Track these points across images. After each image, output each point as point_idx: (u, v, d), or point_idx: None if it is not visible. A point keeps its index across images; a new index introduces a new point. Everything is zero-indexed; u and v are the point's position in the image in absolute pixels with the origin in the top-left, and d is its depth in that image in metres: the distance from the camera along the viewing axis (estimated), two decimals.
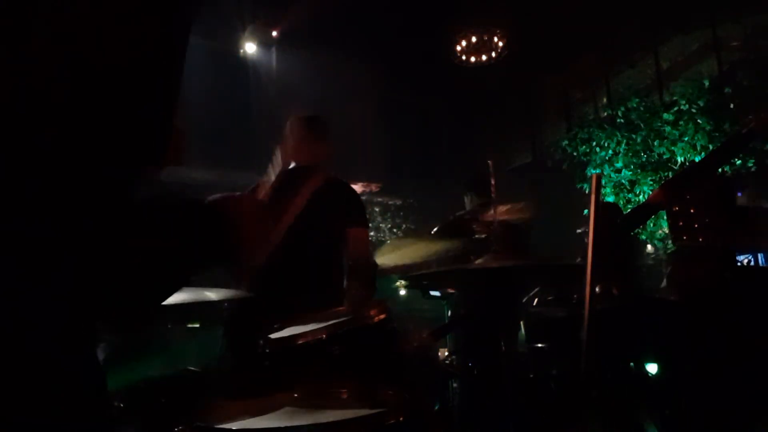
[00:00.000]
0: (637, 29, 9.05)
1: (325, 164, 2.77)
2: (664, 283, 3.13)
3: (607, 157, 7.58)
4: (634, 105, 7.59)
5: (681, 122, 6.94)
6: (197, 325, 2.61)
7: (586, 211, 2.29)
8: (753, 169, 6.41)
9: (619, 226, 2.76)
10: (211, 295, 1.93)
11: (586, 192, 6.85)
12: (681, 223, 2.47)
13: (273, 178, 2.61)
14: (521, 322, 2.78)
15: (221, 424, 1.25)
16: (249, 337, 1.74)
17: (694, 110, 6.89)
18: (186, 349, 2.41)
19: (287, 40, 9.20)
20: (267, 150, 2.88)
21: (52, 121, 0.59)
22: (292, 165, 2.72)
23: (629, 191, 7.40)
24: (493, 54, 8.84)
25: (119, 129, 0.64)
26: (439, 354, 3.22)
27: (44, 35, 0.58)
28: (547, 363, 2.40)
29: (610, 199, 7.42)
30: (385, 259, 2.68)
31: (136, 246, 0.66)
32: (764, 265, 4.34)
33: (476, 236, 3.01)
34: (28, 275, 0.60)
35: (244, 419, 1.31)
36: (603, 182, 7.30)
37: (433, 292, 3.49)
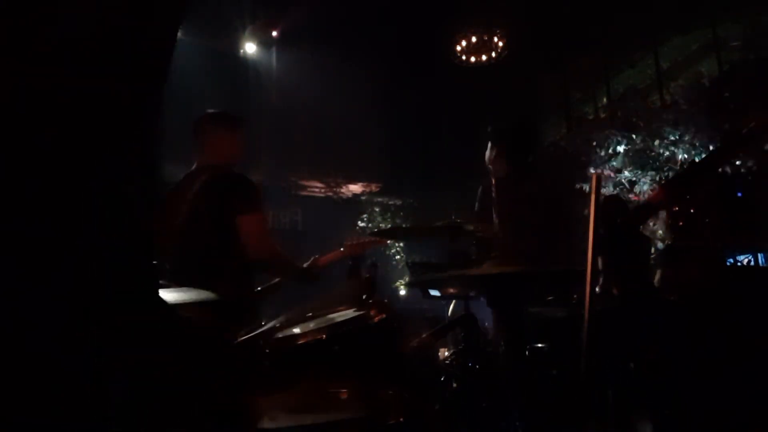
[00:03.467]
0: (637, 29, 9.04)
1: (236, 161, 2.66)
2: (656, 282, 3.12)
3: (606, 157, 7.58)
4: (634, 105, 7.59)
5: (681, 122, 6.94)
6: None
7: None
8: (753, 169, 6.40)
9: (622, 224, 2.75)
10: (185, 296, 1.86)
11: (586, 192, 6.85)
12: (681, 223, 2.47)
13: None
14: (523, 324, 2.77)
15: (221, 424, 1.25)
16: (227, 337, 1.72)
17: (694, 110, 6.89)
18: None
19: (287, 40, 9.20)
20: (267, 150, 2.85)
21: (52, 121, 0.59)
22: (194, 166, 2.59)
23: (629, 191, 7.40)
24: (493, 54, 8.83)
25: (119, 127, 0.64)
26: (439, 354, 3.22)
27: (44, 36, 0.58)
28: (547, 363, 2.40)
29: None
30: None
31: None
32: (764, 265, 4.34)
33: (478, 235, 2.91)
34: (28, 275, 0.60)
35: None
36: (603, 182, 7.31)
37: (433, 292, 3.48)
